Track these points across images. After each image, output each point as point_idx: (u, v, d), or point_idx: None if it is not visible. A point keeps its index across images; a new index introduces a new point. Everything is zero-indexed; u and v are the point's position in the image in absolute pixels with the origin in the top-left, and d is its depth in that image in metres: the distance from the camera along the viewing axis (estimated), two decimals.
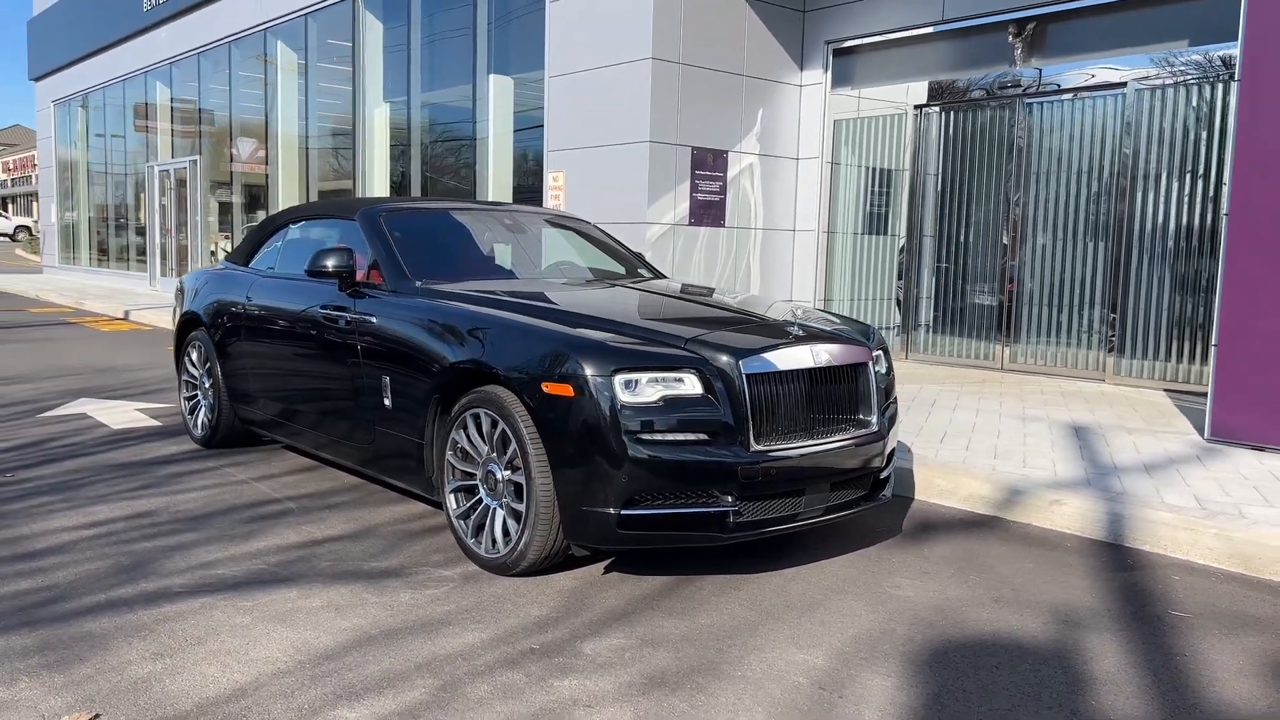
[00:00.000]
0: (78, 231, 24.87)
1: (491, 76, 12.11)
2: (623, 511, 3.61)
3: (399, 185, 13.69)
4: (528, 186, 11.58)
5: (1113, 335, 8.62)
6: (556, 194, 10.57)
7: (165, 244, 20.14)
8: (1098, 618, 3.65)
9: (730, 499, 3.71)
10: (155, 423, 6.94)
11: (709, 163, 10.02)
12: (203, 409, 6.13)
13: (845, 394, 4.06)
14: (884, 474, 4.29)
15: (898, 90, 10.43)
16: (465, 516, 4.10)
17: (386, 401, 4.50)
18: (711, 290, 5.18)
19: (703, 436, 3.66)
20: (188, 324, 6.30)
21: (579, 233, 5.99)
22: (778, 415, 3.81)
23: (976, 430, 6.34)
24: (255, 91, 16.53)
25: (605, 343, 3.74)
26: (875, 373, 4.21)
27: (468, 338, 4.08)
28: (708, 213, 10.10)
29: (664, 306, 4.64)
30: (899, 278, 10.38)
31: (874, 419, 4.14)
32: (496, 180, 12.13)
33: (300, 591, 3.76)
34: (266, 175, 16.53)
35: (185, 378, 6.36)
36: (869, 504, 4.21)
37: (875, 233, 10.64)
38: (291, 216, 5.91)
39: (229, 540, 4.35)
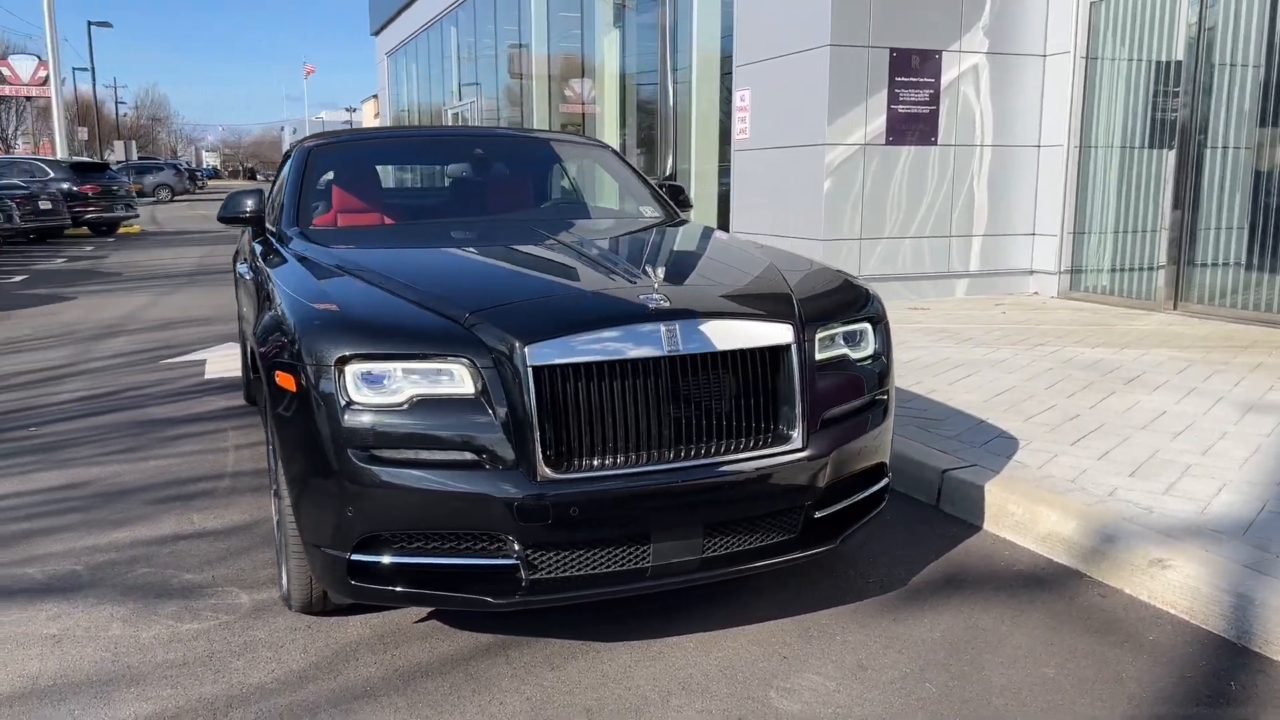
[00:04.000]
0: None
1: None
2: (352, 556, 2.60)
3: (622, 117, 12.92)
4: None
5: None
6: (742, 115, 9.26)
7: None
8: None
9: (518, 548, 2.57)
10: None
11: (913, 66, 8.23)
12: None
13: (740, 393, 2.71)
14: (824, 512, 2.88)
15: None
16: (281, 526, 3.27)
17: (253, 376, 3.77)
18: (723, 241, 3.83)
19: (470, 456, 2.54)
20: None
21: (596, 164, 4.81)
22: (599, 425, 2.57)
23: (1154, 425, 4.46)
24: (511, 28, 16.42)
25: (338, 317, 2.69)
26: (812, 360, 2.81)
27: (266, 306, 3.20)
28: (912, 128, 8.33)
29: (538, 263, 3.34)
30: (1174, 204, 8.00)
31: (796, 431, 2.75)
32: (700, 104, 10.97)
33: (61, 609, 3.14)
34: (521, 110, 16.45)
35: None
36: (798, 554, 2.84)
37: (1145, 146, 8.28)
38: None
39: (98, 528, 3.84)
